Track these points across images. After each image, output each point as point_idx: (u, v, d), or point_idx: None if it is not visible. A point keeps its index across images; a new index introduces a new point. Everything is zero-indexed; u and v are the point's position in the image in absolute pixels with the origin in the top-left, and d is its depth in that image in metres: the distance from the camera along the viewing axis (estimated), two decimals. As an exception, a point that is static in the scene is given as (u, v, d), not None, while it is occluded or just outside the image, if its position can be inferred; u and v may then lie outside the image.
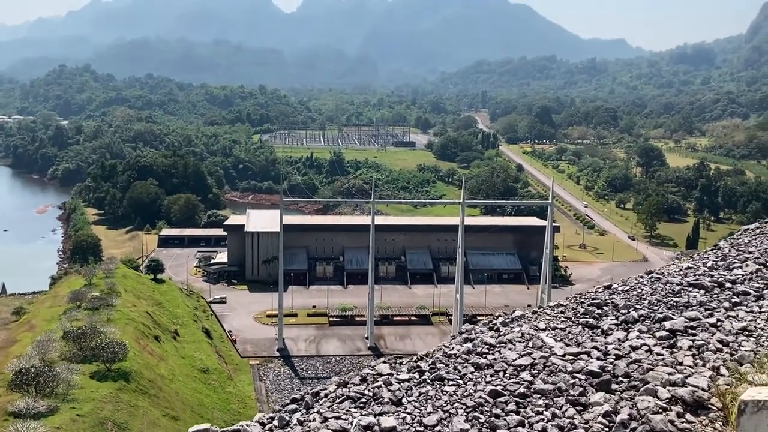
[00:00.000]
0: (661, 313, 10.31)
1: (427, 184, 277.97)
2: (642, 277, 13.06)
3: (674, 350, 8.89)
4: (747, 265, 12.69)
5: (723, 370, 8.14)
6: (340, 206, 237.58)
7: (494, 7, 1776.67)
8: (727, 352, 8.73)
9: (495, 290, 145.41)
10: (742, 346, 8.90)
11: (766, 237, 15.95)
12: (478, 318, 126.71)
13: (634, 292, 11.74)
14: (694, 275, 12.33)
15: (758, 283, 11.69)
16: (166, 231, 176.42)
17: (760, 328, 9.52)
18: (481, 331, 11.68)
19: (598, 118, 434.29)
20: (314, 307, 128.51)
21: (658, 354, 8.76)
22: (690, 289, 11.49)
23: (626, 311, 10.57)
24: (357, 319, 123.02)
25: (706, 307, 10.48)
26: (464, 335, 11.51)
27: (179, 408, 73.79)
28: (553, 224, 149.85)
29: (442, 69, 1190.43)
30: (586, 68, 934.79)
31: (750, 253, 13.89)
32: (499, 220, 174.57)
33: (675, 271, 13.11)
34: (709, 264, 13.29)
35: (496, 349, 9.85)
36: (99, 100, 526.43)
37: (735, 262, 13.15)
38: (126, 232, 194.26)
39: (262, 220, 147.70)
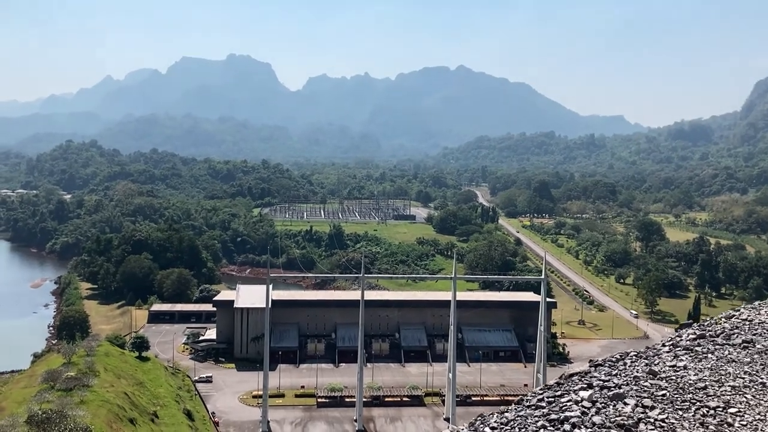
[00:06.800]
0: None
1: (426, 257, 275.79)
2: None
3: None
4: None
5: None
6: (338, 280, 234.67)
7: (495, 86, 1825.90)
8: None
9: (491, 368, 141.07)
10: None
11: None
12: (473, 398, 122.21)
13: None
14: None
15: None
16: (157, 306, 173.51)
17: None
18: None
19: (597, 193, 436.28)
20: (303, 387, 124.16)
21: None
22: None
23: None
24: (347, 400, 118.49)
25: None
26: None
27: (148, 498, 69.39)
28: (550, 300, 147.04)
29: (443, 144, 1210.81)
30: (584, 144, 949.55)
31: None
32: (496, 296, 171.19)
33: None
34: None
35: None
36: (103, 175, 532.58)
37: None
38: (117, 307, 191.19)
39: (252, 296, 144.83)
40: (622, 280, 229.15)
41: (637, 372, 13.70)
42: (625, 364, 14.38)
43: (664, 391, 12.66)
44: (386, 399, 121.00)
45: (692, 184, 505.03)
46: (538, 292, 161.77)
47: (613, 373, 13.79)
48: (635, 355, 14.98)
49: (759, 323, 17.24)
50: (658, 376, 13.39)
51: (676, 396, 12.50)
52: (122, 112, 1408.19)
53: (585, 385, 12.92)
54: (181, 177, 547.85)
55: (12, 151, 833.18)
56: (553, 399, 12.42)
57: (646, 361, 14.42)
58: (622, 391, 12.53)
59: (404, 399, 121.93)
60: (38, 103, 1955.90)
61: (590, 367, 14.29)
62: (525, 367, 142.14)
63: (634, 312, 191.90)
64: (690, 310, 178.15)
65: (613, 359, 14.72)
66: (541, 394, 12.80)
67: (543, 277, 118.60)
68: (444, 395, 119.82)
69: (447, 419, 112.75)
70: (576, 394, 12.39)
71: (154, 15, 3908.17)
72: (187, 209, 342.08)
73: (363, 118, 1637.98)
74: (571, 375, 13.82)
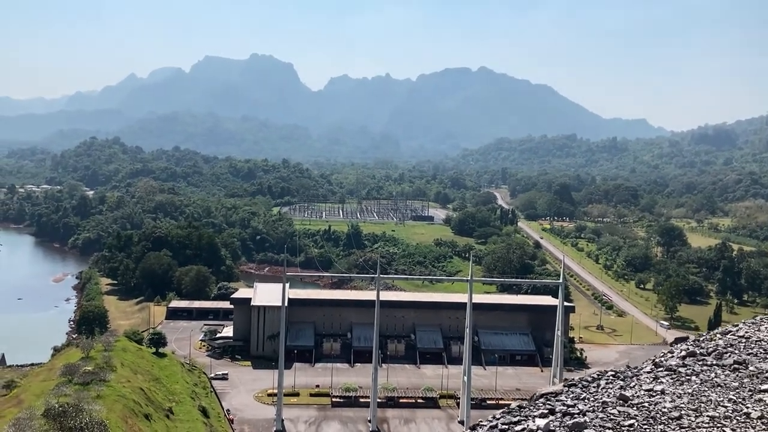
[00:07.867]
0: None
1: (444, 259, 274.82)
2: None
3: None
4: None
5: None
6: (355, 280, 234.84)
7: (516, 87, 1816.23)
8: None
9: (507, 372, 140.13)
10: None
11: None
12: (488, 402, 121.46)
13: None
14: None
15: None
16: (175, 303, 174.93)
17: None
18: None
19: (619, 197, 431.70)
20: (318, 386, 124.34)
21: None
22: None
23: None
24: (361, 400, 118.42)
25: None
26: None
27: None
28: (568, 304, 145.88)
29: (463, 146, 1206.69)
30: (607, 147, 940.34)
31: None
32: (513, 299, 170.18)
33: None
34: None
35: None
36: (125, 172, 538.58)
37: None
38: (136, 303, 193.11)
39: (269, 294, 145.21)
40: (642, 286, 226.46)
41: (608, 396, 12.14)
42: (599, 385, 12.86)
43: (632, 421, 11.04)
44: (401, 400, 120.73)
45: (715, 189, 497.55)
46: (556, 295, 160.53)
47: (582, 396, 12.23)
48: (613, 375, 13.35)
49: (756, 341, 15.41)
50: (628, 403, 11.78)
51: (645, 427, 10.89)
52: (145, 110, 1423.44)
53: (546, 411, 11.49)
54: (202, 175, 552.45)
55: (38, 147, 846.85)
56: (507, 427, 11.08)
57: (622, 383, 12.86)
58: (584, 420, 10.93)
59: (419, 401, 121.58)
60: (64, 100, 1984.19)
61: (564, 386, 12.82)
62: (542, 371, 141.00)
63: (666, 323, 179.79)
64: (711, 317, 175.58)
65: (589, 379, 13.18)
66: (498, 419, 11.53)
67: (561, 281, 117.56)
68: (459, 398, 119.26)
69: (461, 422, 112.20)
70: (533, 422, 11.00)
71: (179, 14, 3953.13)
72: (207, 207, 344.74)
73: (383, 118, 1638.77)
74: (541, 395, 12.45)
